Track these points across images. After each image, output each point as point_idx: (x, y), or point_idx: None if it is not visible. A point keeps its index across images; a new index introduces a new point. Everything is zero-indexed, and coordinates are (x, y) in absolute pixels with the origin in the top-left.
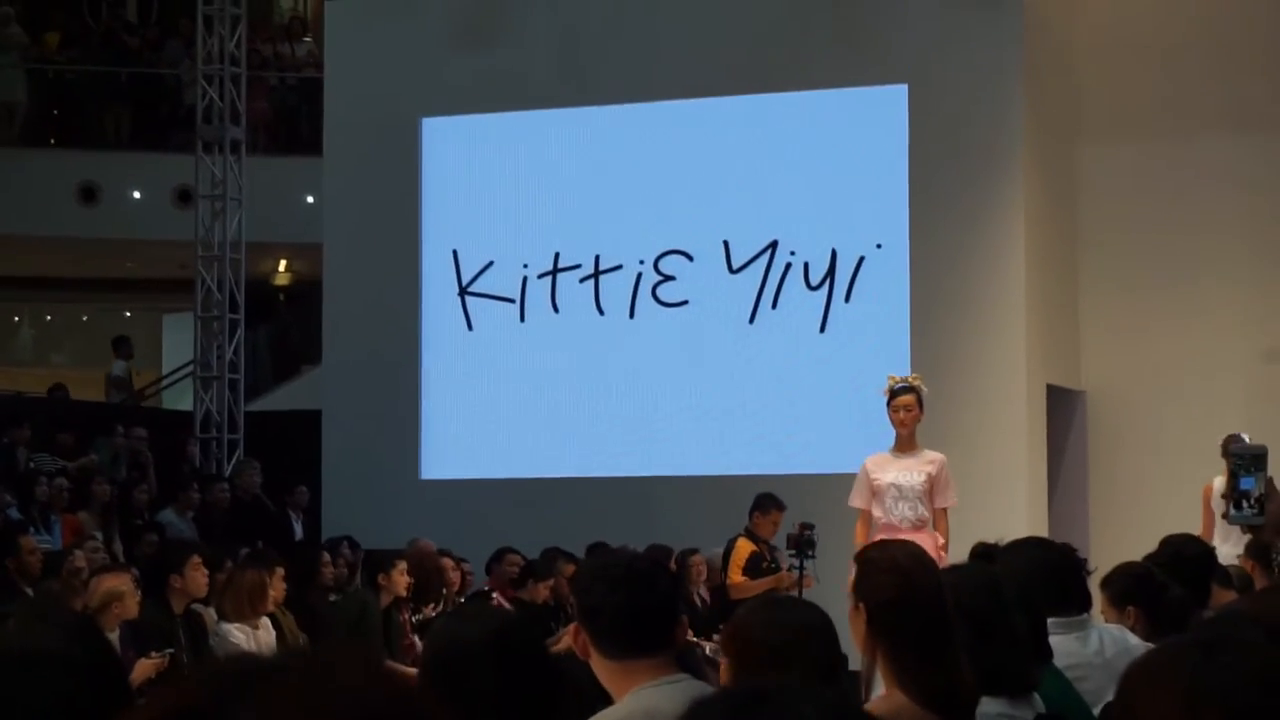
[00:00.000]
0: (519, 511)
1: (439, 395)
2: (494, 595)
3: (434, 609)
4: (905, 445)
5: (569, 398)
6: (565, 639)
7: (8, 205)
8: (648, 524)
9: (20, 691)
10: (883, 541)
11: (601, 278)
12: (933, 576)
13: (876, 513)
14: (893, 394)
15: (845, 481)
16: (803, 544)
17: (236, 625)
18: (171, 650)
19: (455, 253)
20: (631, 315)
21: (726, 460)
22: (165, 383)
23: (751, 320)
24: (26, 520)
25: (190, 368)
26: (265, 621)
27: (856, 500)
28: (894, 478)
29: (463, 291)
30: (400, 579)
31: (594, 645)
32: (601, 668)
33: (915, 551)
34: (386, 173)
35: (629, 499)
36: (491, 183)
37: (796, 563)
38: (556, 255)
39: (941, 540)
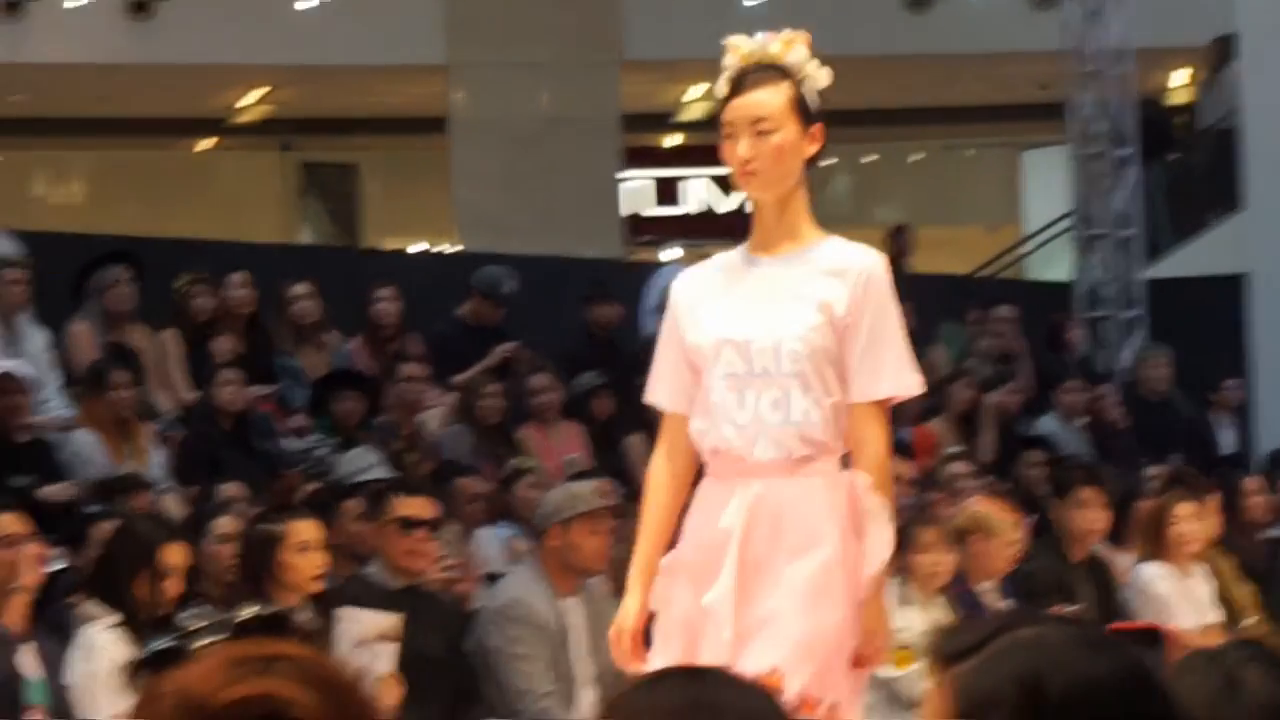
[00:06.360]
0: None
1: None
2: None
3: None
4: (770, 231)
5: None
6: None
7: (832, 22)
8: None
9: None
10: None
11: None
12: None
13: (697, 422)
14: (732, 88)
15: None
16: None
17: (1159, 570)
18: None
19: None
20: None
21: None
22: (1031, 245)
23: None
24: None
25: (1065, 223)
26: (1200, 569)
27: (658, 391)
28: (734, 326)
29: None
30: None
31: None
32: None
33: None
34: None
35: None
36: None
37: None
38: None
39: (876, 498)
